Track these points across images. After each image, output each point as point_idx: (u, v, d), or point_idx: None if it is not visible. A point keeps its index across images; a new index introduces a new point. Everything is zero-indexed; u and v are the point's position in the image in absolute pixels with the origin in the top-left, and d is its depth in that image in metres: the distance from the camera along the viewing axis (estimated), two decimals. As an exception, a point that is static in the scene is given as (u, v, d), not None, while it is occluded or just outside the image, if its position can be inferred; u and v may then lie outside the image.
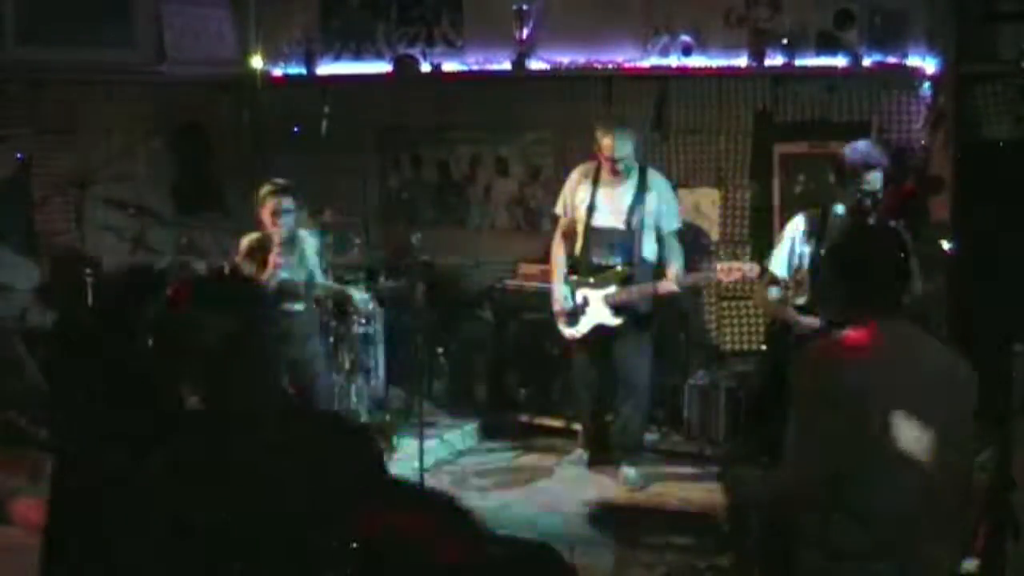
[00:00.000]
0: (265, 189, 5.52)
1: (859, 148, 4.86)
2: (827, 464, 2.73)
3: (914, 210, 5.72)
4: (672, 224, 5.69)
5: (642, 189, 5.62)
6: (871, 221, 4.74)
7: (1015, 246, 4.98)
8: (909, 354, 2.81)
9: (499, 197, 7.16)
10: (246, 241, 5.57)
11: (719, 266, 5.44)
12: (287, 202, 5.50)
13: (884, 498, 2.70)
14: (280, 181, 5.57)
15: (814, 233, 4.87)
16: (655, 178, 5.70)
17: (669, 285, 5.52)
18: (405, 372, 6.44)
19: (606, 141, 5.52)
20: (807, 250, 4.89)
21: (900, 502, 2.70)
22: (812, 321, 4.72)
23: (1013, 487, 3.97)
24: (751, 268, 5.30)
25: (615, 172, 5.58)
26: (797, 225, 5.00)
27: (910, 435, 2.71)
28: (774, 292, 4.99)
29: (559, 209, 5.91)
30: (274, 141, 7.40)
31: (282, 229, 5.47)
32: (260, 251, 5.48)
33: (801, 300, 4.88)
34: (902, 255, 2.97)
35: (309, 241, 5.78)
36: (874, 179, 4.73)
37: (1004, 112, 5.72)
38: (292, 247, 5.58)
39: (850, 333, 2.84)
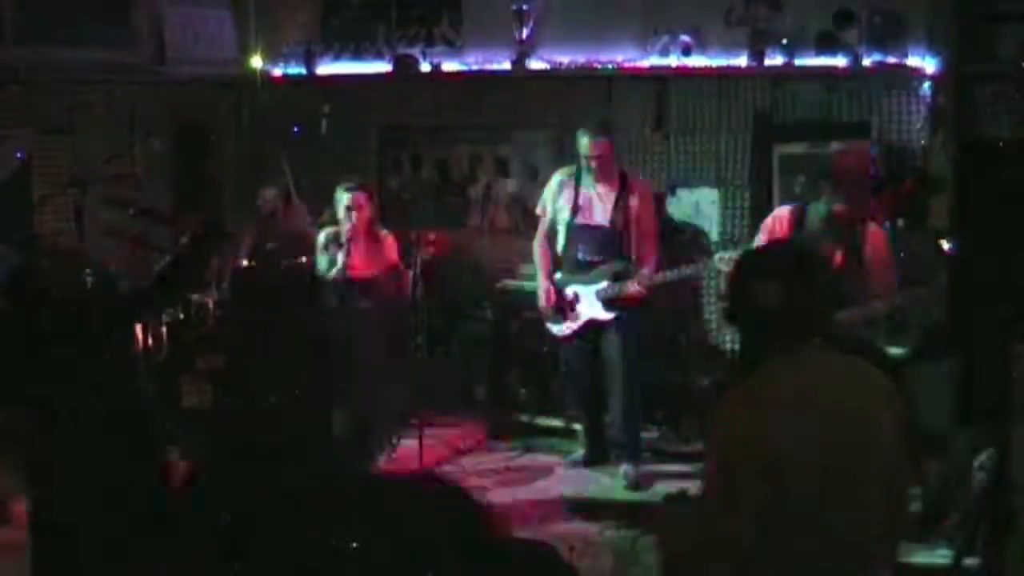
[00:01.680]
0: (340, 187, 5.78)
1: (860, 154, 4.86)
2: (747, 521, 2.43)
3: (914, 210, 5.72)
4: (650, 225, 5.75)
5: (624, 189, 5.69)
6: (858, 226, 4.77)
7: (1015, 246, 4.97)
8: (821, 395, 2.50)
9: (499, 197, 7.16)
10: (322, 235, 5.78)
11: (718, 256, 5.48)
12: (351, 199, 5.73)
13: (808, 549, 2.45)
14: (355, 179, 5.87)
15: (792, 229, 4.90)
16: (635, 180, 5.80)
17: (634, 287, 5.57)
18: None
19: (582, 140, 5.61)
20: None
21: (825, 551, 2.46)
22: None
23: (1013, 487, 3.97)
24: None
25: (594, 172, 5.64)
26: (777, 217, 5.03)
27: (830, 482, 2.44)
28: None
29: (539, 210, 5.96)
30: (274, 141, 7.40)
31: (347, 224, 5.70)
32: (336, 245, 5.72)
33: None
34: (802, 276, 2.62)
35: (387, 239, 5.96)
36: (867, 187, 4.77)
37: (1004, 112, 5.72)
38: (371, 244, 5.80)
39: (759, 377, 2.53)
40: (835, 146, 5.91)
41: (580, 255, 5.74)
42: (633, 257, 5.70)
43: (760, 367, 2.53)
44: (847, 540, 2.47)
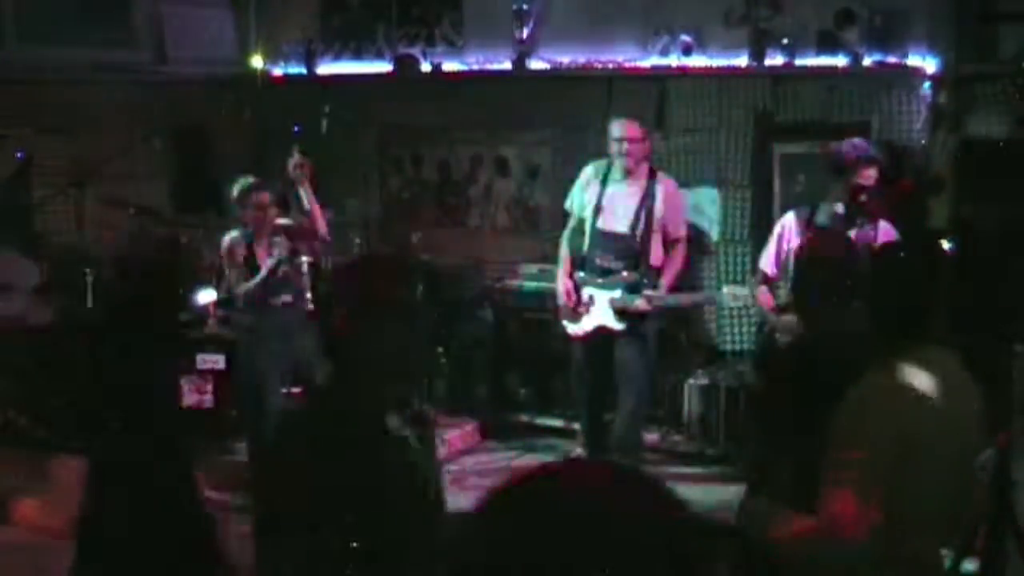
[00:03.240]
0: (243, 186, 5.51)
1: (856, 144, 4.87)
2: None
3: (914, 210, 5.72)
4: (677, 231, 5.67)
5: (650, 192, 5.58)
6: (862, 220, 4.76)
7: (1015, 246, 4.98)
8: (953, 394, 2.54)
9: (499, 197, 7.16)
10: (228, 240, 5.56)
11: (726, 290, 5.47)
12: (271, 196, 5.51)
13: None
14: (254, 178, 5.56)
15: (802, 231, 4.91)
16: (664, 182, 5.66)
17: (642, 304, 5.51)
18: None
19: (614, 125, 5.52)
20: (793, 247, 4.90)
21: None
22: (789, 320, 4.78)
23: (1013, 487, 3.97)
24: (748, 297, 5.35)
25: (623, 159, 5.52)
26: (785, 223, 5.04)
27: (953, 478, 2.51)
28: (762, 290, 5.07)
29: (568, 204, 5.88)
30: (274, 141, 7.40)
31: (268, 224, 5.44)
32: (244, 249, 5.49)
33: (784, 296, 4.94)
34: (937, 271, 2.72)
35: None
36: (870, 175, 4.76)
37: (1004, 112, 5.72)
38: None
39: (909, 369, 2.50)
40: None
41: (599, 260, 5.65)
42: (654, 265, 5.62)
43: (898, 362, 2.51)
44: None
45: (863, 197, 4.75)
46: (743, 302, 5.39)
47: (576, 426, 6.22)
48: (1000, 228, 5.29)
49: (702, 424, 6.23)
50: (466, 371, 6.82)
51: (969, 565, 4.01)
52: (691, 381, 6.29)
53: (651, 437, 6.21)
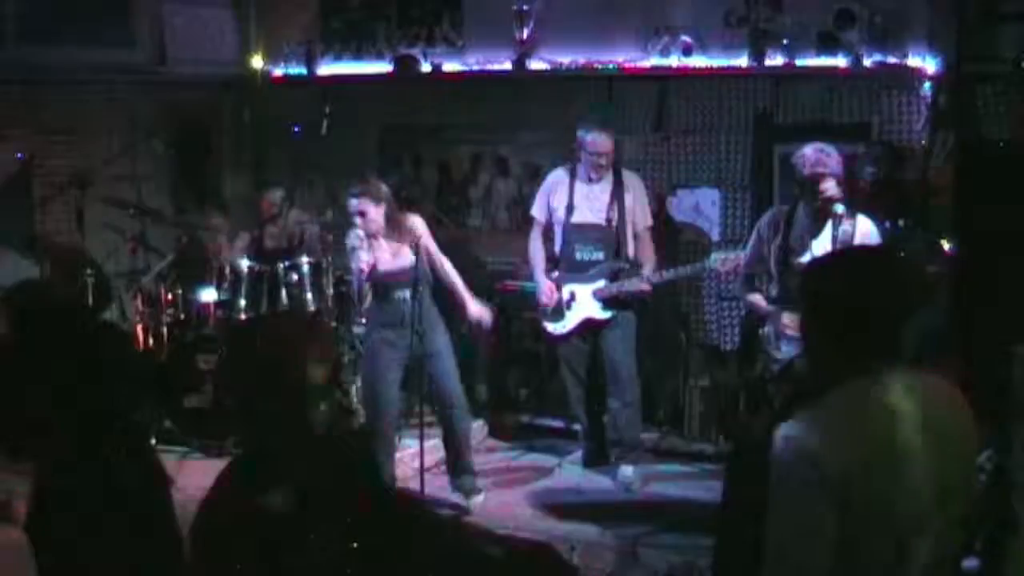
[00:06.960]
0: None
1: (808, 157, 4.84)
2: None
3: (914, 210, 5.72)
4: (646, 220, 5.79)
5: (619, 187, 5.72)
6: (838, 217, 4.79)
7: (1015, 247, 4.98)
8: (914, 419, 2.17)
9: (499, 197, 7.16)
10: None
11: (714, 256, 5.51)
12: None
13: None
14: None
15: (780, 228, 4.95)
16: (629, 177, 5.82)
17: (642, 284, 5.60)
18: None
19: (587, 136, 5.63)
20: (774, 245, 4.99)
21: None
22: (756, 298, 5.06)
23: (1013, 487, 3.97)
24: (738, 260, 5.42)
25: (595, 169, 5.66)
26: (765, 220, 5.10)
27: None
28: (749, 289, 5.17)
29: (535, 211, 5.98)
30: (274, 141, 7.40)
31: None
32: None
33: (774, 292, 5.05)
34: (910, 281, 2.31)
35: None
36: (827, 187, 4.79)
37: (1004, 112, 5.72)
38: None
39: (836, 397, 2.16)
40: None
41: (577, 254, 5.75)
42: (631, 255, 5.71)
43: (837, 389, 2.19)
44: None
45: (830, 207, 4.79)
46: (732, 265, 5.43)
47: (576, 426, 6.22)
48: (1000, 229, 5.29)
49: (702, 424, 6.24)
50: (466, 371, 6.81)
51: (969, 565, 4.01)
52: (691, 381, 6.30)
53: (651, 437, 6.21)
